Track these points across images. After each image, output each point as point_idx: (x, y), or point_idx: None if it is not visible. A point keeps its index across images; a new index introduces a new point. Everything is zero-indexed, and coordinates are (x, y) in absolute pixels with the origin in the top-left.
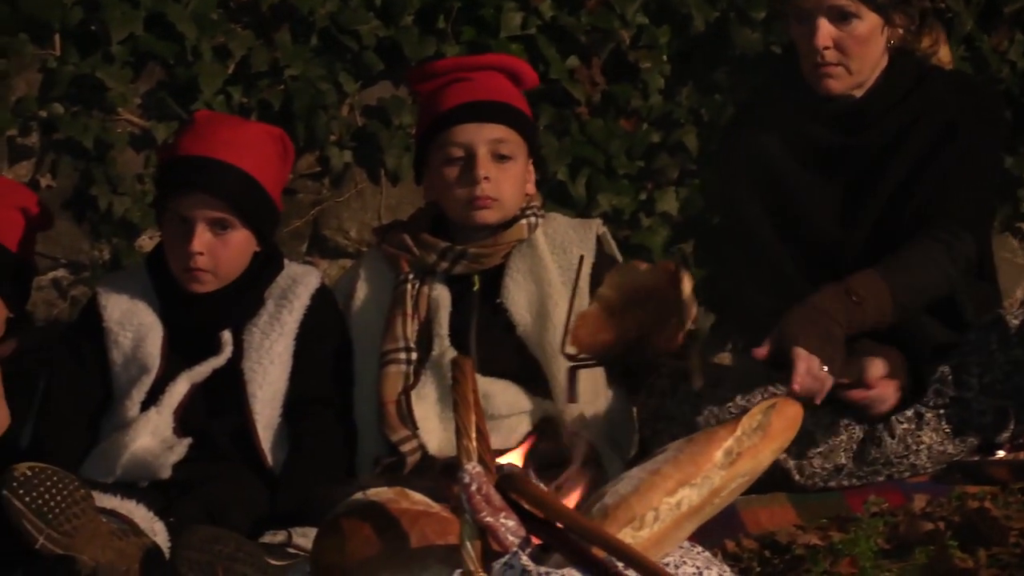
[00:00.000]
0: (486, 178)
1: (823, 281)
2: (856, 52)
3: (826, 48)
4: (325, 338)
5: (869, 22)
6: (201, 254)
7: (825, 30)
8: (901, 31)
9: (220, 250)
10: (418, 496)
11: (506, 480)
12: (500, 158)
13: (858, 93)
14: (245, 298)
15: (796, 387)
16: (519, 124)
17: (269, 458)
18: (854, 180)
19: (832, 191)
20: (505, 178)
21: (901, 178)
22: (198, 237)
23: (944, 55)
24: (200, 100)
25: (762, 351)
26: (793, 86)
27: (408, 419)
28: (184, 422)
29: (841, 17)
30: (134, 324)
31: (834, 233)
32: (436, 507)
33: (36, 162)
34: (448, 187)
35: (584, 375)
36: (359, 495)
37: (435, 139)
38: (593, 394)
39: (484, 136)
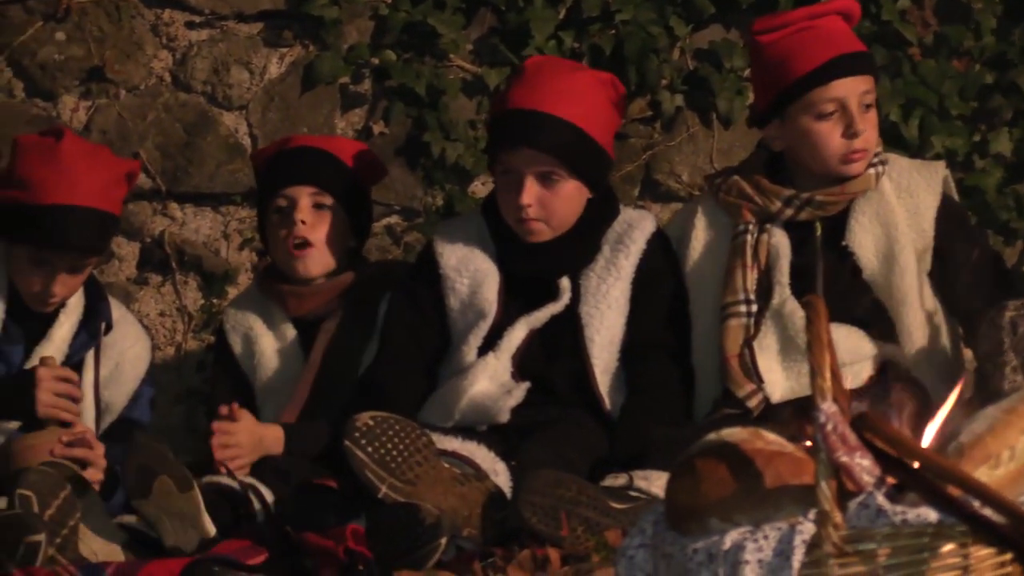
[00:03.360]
0: (864, 131)
1: None
2: None
3: None
4: (661, 282)
5: None
6: (530, 206)
7: None
8: None
9: (550, 201)
10: (772, 436)
11: (861, 420)
12: (867, 107)
13: None
14: (582, 244)
15: None
16: (875, 71)
17: (607, 402)
18: None
19: None
20: (871, 127)
21: None
22: (527, 190)
23: None
24: (531, 46)
25: None
26: None
27: (752, 372)
28: (522, 367)
29: None
30: (470, 270)
31: None
32: (790, 447)
33: (369, 109)
34: (821, 142)
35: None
36: (712, 435)
37: (801, 94)
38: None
39: (856, 89)
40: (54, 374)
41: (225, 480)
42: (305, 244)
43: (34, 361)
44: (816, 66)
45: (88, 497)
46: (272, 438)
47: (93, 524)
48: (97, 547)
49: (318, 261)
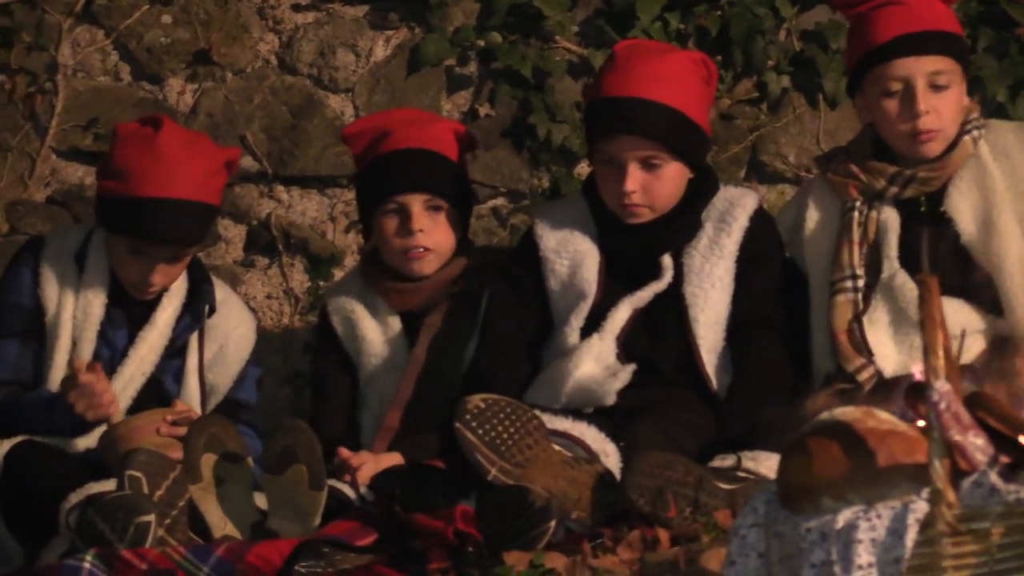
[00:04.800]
0: (927, 112)
1: None
2: None
3: None
4: (765, 260)
5: None
6: (635, 192)
7: None
8: None
9: (654, 185)
10: (884, 415)
11: (974, 398)
12: (937, 88)
13: None
14: (683, 223)
15: None
16: (954, 50)
17: (714, 382)
18: None
19: None
20: (944, 107)
21: None
22: (630, 177)
23: None
24: (637, 27)
25: None
26: None
27: (862, 346)
28: (627, 348)
29: None
30: (570, 251)
31: None
32: (903, 426)
33: (474, 91)
34: (888, 120)
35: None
36: (825, 415)
37: (871, 69)
38: None
39: (923, 69)
40: (78, 382)
41: (346, 490)
42: (424, 250)
43: (139, 346)
44: (881, 43)
45: (239, 467)
46: (391, 460)
47: (234, 494)
48: (225, 518)
49: (434, 263)
